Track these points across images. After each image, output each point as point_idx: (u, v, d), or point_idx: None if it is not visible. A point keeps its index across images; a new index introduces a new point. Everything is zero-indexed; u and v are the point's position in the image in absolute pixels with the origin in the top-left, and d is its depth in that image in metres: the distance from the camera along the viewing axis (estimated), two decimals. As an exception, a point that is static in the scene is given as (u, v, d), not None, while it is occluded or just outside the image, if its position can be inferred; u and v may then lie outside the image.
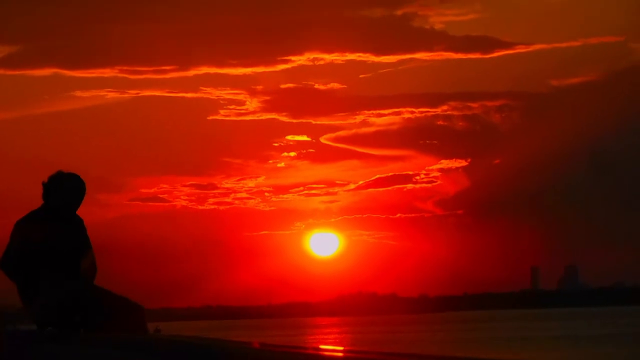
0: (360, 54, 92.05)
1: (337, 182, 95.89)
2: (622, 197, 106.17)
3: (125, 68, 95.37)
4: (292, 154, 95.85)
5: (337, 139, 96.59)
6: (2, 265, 5.80)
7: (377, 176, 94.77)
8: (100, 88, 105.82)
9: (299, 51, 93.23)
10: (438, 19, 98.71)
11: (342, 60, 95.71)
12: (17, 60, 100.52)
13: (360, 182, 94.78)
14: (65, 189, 5.94)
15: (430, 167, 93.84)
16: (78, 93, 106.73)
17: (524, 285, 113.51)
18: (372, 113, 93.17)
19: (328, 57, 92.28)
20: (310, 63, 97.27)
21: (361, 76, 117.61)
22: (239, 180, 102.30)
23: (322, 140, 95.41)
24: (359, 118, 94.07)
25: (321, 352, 3.35)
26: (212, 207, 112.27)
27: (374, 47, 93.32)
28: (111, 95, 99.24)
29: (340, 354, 2.98)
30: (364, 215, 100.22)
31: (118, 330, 5.33)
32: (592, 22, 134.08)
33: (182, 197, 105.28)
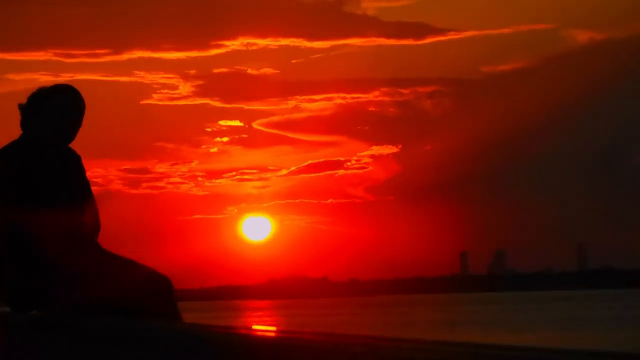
0: (294, 39, 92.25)
1: (270, 167, 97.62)
2: (550, 183, 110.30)
3: (59, 51, 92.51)
4: (225, 139, 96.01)
5: (270, 125, 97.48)
6: None
7: (309, 162, 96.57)
8: (34, 71, 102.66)
9: (232, 36, 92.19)
10: (371, 5, 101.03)
11: (276, 46, 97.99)
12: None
13: (292, 168, 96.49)
14: (54, 106, 4.15)
15: (362, 153, 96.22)
16: (11, 76, 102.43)
17: (453, 269, 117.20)
18: (304, 99, 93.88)
19: (262, 42, 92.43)
20: (244, 48, 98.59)
21: (293, 61, 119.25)
22: (172, 165, 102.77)
23: (255, 125, 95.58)
24: (291, 104, 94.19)
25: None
26: (146, 191, 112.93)
27: (306, 33, 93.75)
28: (45, 78, 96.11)
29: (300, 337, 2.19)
30: (296, 201, 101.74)
31: (138, 312, 3.84)
32: (523, 9, 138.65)
33: (116, 181, 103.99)
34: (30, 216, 3.84)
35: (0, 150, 4.04)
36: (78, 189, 4.12)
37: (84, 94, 4.42)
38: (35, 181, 3.93)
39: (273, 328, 3.28)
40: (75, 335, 3.23)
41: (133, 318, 3.65)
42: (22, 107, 4.09)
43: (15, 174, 3.96)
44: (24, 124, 4.11)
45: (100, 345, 2.97)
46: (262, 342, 2.23)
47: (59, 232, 3.90)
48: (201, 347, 2.46)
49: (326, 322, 47.73)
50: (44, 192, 3.94)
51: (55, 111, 4.10)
